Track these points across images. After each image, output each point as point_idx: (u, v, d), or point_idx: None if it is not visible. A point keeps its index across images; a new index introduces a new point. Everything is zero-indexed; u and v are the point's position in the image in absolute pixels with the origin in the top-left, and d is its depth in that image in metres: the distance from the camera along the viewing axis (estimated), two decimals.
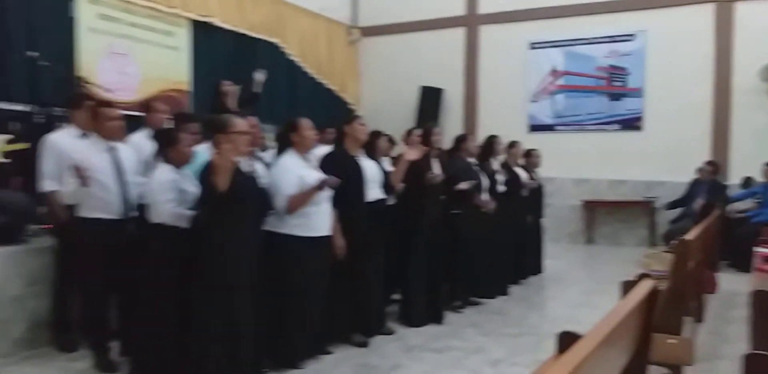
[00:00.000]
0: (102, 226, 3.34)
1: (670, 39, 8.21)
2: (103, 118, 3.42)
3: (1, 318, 3.53)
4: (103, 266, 3.34)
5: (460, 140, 5.04)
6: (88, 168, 3.21)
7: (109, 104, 3.55)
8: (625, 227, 8.58)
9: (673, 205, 7.55)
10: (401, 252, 4.28)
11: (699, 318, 4.34)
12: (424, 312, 4.34)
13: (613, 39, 8.70)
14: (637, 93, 8.57)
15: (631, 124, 8.61)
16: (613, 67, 8.73)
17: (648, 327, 2.21)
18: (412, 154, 4.11)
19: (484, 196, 4.99)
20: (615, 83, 8.74)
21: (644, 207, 8.34)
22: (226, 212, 2.93)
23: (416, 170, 4.30)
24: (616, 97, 8.73)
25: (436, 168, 4.47)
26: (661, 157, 7.87)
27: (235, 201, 2.92)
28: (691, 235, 3.67)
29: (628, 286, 2.66)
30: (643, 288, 2.11)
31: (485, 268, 5.06)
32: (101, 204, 3.34)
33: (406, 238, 4.29)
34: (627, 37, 8.61)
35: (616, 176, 8.57)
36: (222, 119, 3.12)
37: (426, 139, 4.47)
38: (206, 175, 2.91)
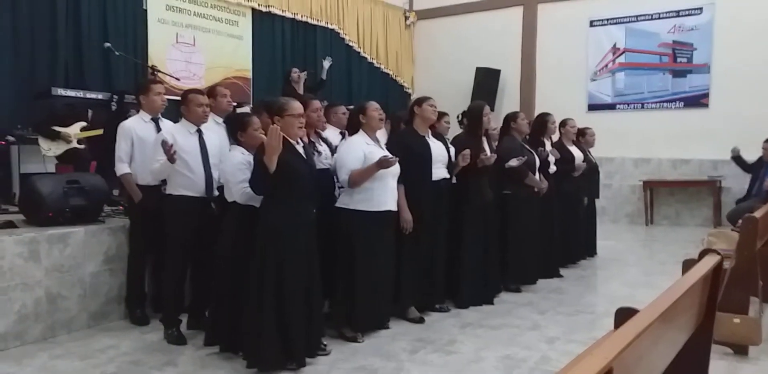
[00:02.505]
0: (187, 203, 3.55)
1: (740, 11, 7.84)
2: (192, 104, 3.63)
3: (81, 293, 3.79)
4: (186, 241, 3.56)
5: (510, 119, 4.96)
6: (173, 144, 3.41)
7: (198, 91, 3.77)
8: (688, 207, 8.34)
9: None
10: (455, 231, 4.31)
11: (766, 299, 4.21)
12: (475, 294, 4.35)
13: (678, 13, 8.37)
14: (703, 69, 8.24)
15: (697, 101, 8.30)
16: (677, 42, 8.41)
17: (712, 306, 2.18)
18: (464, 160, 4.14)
19: (536, 176, 4.91)
20: (679, 59, 8.43)
21: (708, 187, 8.07)
22: (277, 192, 3.03)
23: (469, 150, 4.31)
24: (680, 73, 8.43)
25: (487, 148, 4.45)
26: (728, 135, 7.56)
27: (286, 181, 3.01)
28: (759, 213, 3.56)
29: (690, 265, 2.63)
30: (706, 264, 2.09)
31: (538, 249, 5.02)
32: (188, 182, 3.56)
33: (459, 220, 4.31)
34: (693, 11, 8.27)
35: (680, 155, 8.31)
36: (280, 102, 3.22)
37: (476, 120, 4.44)
38: (258, 155, 3.01)
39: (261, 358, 3.04)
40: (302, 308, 3.11)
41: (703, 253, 2.20)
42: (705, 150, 7.82)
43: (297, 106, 3.17)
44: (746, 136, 7.48)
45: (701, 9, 8.19)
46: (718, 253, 2.16)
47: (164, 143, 3.41)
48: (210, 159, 3.63)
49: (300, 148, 3.23)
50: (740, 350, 3.30)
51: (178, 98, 3.83)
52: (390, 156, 3.48)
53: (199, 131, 3.66)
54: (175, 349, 3.45)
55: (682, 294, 1.69)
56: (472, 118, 4.47)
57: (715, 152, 7.53)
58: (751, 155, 7.24)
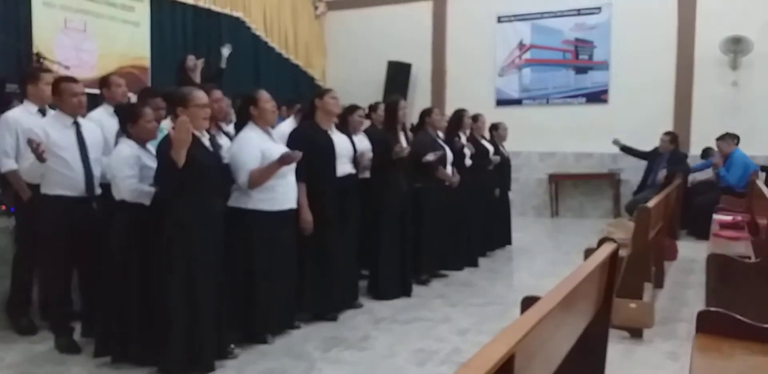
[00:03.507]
0: (65, 204, 3.25)
1: (635, 12, 8.27)
2: (66, 94, 3.30)
3: None
4: (65, 245, 3.26)
5: (425, 114, 5.04)
6: (42, 142, 3.10)
7: (71, 79, 3.43)
8: (590, 200, 8.74)
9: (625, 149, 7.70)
10: (370, 226, 4.29)
11: (659, 284, 4.47)
12: (393, 285, 4.37)
13: (579, 12, 8.72)
14: (602, 66, 8.64)
15: (597, 97, 8.69)
16: (579, 40, 8.77)
17: (610, 292, 2.25)
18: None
19: (448, 170, 4.99)
20: (581, 57, 8.79)
21: (609, 179, 8.49)
22: (186, 187, 2.87)
23: (384, 144, 4.30)
24: (582, 70, 8.79)
25: (403, 142, 4.46)
26: (626, 130, 7.96)
27: (195, 176, 2.86)
28: (651, 203, 3.76)
29: (590, 253, 2.72)
30: (604, 251, 2.14)
31: (451, 241, 5.11)
32: (64, 181, 3.24)
33: (375, 212, 4.30)
34: (593, 10, 8.64)
35: (582, 149, 8.68)
36: (182, 92, 3.05)
37: (392, 113, 4.46)
38: (164, 149, 2.84)
39: (170, 363, 2.89)
40: (213, 308, 2.97)
41: (600, 242, 2.26)
42: (606, 144, 8.19)
43: (202, 96, 3.02)
44: (643, 129, 7.90)
45: (600, 8, 8.56)
46: (615, 242, 2.22)
47: (30, 141, 3.05)
48: (90, 154, 3.33)
49: (206, 141, 3.07)
50: (635, 333, 3.47)
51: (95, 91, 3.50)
52: (292, 151, 3.31)
53: (77, 124, 3.34)
54: (68, 359, 3.20)
55: (581, 280, 1.71)
56: (388, 112, 4.48)
57: (615, 146, 7.92)
58: (646, 147, 7.67)
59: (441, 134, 5.25)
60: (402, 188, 4.39)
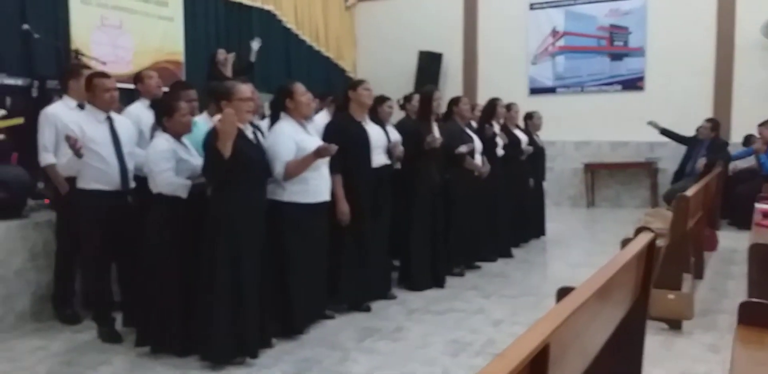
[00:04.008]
0: (101, 197, 3.33)
1: None
2: (98, 89, 3.37)
3: (5, 292, 3.58)
4: (103, 237, 3.35)
5: (453, 103, 4.96)
6: (79, 138, 3.18)
7: (104, 75, 3.50)
8: (627, 189, 8.58)
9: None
10: (403, 217, 4.29)
11: (699, 275, 4.37)
12: (425, 276, 4.37)
13: None
14: (638, 52, 8.44)
15: (633, 84, 8.50)
16: (614, 26, 8.58)
17: (647, 282, 2.21)
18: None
19: (477, 159, 4.93)
20: (616, 43, 8.60)
21: (646, 169, 8.32)
22: (232, 179, 2.93)
23: (416, 135, 4.29)
24: (617, 57, 8.61)
25: (436, 132, 4.43)
26: (663, 117, 7.78)
27: (240, 168, 2.91)
28: (690, 192, 3.66)
29: (627, 243, 2.67)
30: (640, 241, 2.10)
31: (483, 232, 5.07)
32: (100, 175, 3.32)
33: (407, 203, 4.30)
34: None
35: (618, 138, 8.52)
36: (227, 86, 3.11)
37: (426, 104, 4.43)
38: (210, 141, 2.89)
39: (214, 352, 2.96)
40: (257, 298, 3.03)
41: (637, 231, 2.22)
42: (642, 132, 8.03)
43: (245, 90, 3.07)
44: (681, 117, 7.73)
45: None
46: (652, 231, 2.18)
47: (67, 137, 3.13)
48: (124, 148, 3.40)
49: (249, 133, 3.12)
50: (674, 325, 3.40)
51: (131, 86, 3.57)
52: (328, 144, 3.33)
53: (110, 119, 3.41)
54: (110, 348, 3.30)
55: (617, 271, 1.69)
56: (422, 103, 4.46)
57: (652, 134, 7.74)
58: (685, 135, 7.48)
59: (474, 123, 5.21)
60: (434, 179, 4.37)
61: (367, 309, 3.87)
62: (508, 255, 5.38)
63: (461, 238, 4.78)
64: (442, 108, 4.74)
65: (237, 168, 2.89)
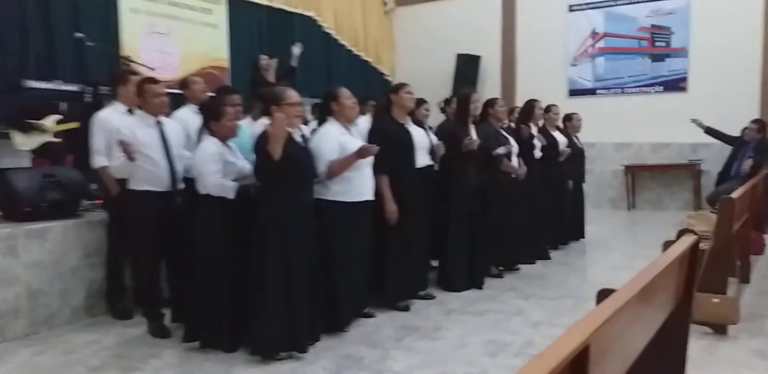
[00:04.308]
0: (151, 198, 3.48)
1: None
2: (148, 94, 3.52)
3: (61, 288, 3.75)
4: (153, 236, 3.49)
5: (488, 105, 4.95)
6: (132, 142, 3.33)
7: (154, 80, 3.65)
8: (669, 191, 8.42)
9: None
10: (441, 218, 4.33)
11: (745, 279, 4.28)
12: (461, 277, 4.40)
13: None
14: (681, 53, 8.29)
15: (675, 85, 8.35)
16: (655, 26, 8.44)
17: (690, 285, 2.19)
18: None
19: (514, 161, 4.92)
20: (658, 44, 8.46)
21: (689, 171, 8.16)
22: (281, 180, 3.03)
23: (453, 137, 4.32)
24: (658, 57, 8.46)
25: (474, 135, 4.46)
26: (707, 118, 7.61)
27: (289, 170, 3.02)
28: (736, 194, 3.60)
29: (669, 246, 2.66)
30: (683, 243, 2.09)
31: (521, 234, 5.06)
32: (150, 177, 3.47)
33: (444, 205, 4.33)
34: None
35: (660, 139, 8.37)
36: (276, 91, 3.23)
37: (463, 106, 4.46)
38: (261, 144, 3.01)
39: (266, 347, 3.06)
40: (307, 296, 3.12)
41: (680, 234, 2.20)
42: (684, 133, 7.89)
43: (294, 95, 3.18)
44: (725, 118, 7.55)
45: None
46: (696, 234, 2.17)
47: (121, 142, 3.30)
48: (173, 151, 3.53)
49: (298, 137, 3.23)
50: (719, 329, 3.35)
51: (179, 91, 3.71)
52: (369, 144, 3.44)
53: (159, 123, 3.55)
54: (159, 342, 3.43)
55: (658, 273, 1.69)
56: (459, 105, 4.49)
57: (695, 136, 7.60)
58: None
59: (512, 124, 5.20)
60: (471, 181, 4.39)
61: (407, 309, 3.92)
62: (545, 257, 5.36)
63: (498, 240, 4.79)
64: (479, 110, 4.75)
65: (286, 170, 3.00)
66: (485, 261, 4.66)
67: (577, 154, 6.14)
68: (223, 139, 3.32)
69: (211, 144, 3.27)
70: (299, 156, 3.12)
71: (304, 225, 3.15)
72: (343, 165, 3.41)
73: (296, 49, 6.85)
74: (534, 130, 5.39)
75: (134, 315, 3.86)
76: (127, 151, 3.27)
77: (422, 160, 4.03)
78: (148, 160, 3.44)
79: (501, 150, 4.65)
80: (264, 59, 6.25)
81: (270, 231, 3.06)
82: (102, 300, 3.95)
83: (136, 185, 3.50)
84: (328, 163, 3.39)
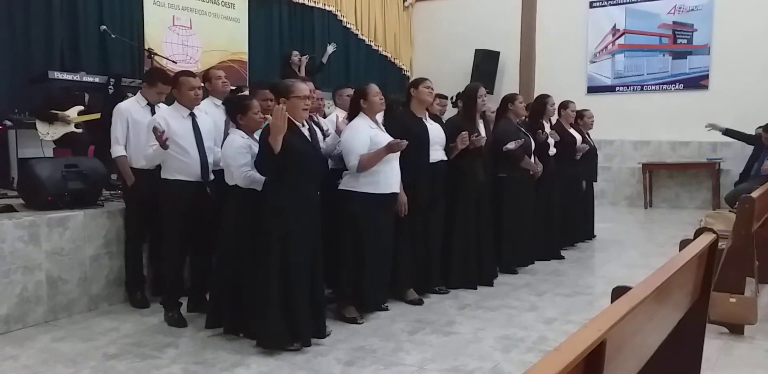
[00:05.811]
0: (182, 188, 3.54)
1: None
2: (184, 87, 3.59)
3: (82, 276, 3.81)
4: (183, 225, 3.56)
5: (508, 101, 4.91)
6: (165, 130, 3.39)
7: (190, 74, 3.72)
8: (687, 190, 8.34)
9: None
10: (448, 212, 4.31)
11: (764, 279, 4.23)
12: (466, 274, 4.35)
13: None
14: (703, 50, 8.19)
15: (696, 82, 8.26)
16: (677, 23, 8.34)
17: (707, 284, 2.18)
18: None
19: (531, 159, 4.88)
20: (679, 41, 8.36)
21: (708, 169, 8.07)
22: (283, 172, 3.05)
23: (458, 132, 4.28)
24: (680, 55, 8.37)
25: (482, 130, 4.41)
26: (729, 116, 7.52)
27: (291, 162, 3.02)
28: (756, 194, 3.56)
29: (686, 244, 2.64)
30: (701, 242, 2.08)
31: (537, 231, 5.02)
32: (182, 167, 3.54)
33: (451, 201, 4.31)
34: None
35: (679, 137, 8.29)
36: (285, 84, 3.23)
37: (471, 101, 4.42)
38: (264, 136, 3.03)
39: (267, 337, 3.09)
40: (307, 288, 3.13)
41: (698, 232, 2.19)
42: (704, 132, 7.79)
43: (303, 88, 3.17)
44: (747, 116, 7.45)
45: None
46: (714, 233, 2.15)
47: (155, 129, 3.36)
48: (204, 142, 3.60)
49: (305, 131, 3.23)
50: (736, 329, 3.32)
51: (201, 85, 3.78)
52: (399, 140, 3.50)
53: (192, 114, 3.62)
54: (175, 331, 3.48)
55: (675, 271, 1.69)
56: (466, 100, 4.43)
57: (715, 134, 7.50)
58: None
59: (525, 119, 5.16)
60: (478, 177, 4.35)
61: (420, 303, 3.94)
62: (558, 257, 5.31)
63: (514, 237, 4.77)
64: (491, 105, 4.73)
65: (287, 162, 3.00)
66: (494, 259, 4.61)
67: (590, 152, 6.00)
68: (250, 131, 3.36)
69: (239, 137, 3.31)
70: (303, 149, 3.10)
71: (307, 218, 3.12)
72: (373, 159, 3.48)
73: (330, 48, 7.28)
74: (546, 127, 5.30)
75: (151, 304, 3.93)
76: (160, 139, 3.33)
77: (436, 154, 4.04)
78: (181, 151, 3.51)
79: (511, 145, 4.58)
80: (296, 54, 6.42)
81: (270, 224, 3.07)
82: (120, 288, 4.02)
83: (169, 174, 3.57)
84: (359, 157, 3.47)
